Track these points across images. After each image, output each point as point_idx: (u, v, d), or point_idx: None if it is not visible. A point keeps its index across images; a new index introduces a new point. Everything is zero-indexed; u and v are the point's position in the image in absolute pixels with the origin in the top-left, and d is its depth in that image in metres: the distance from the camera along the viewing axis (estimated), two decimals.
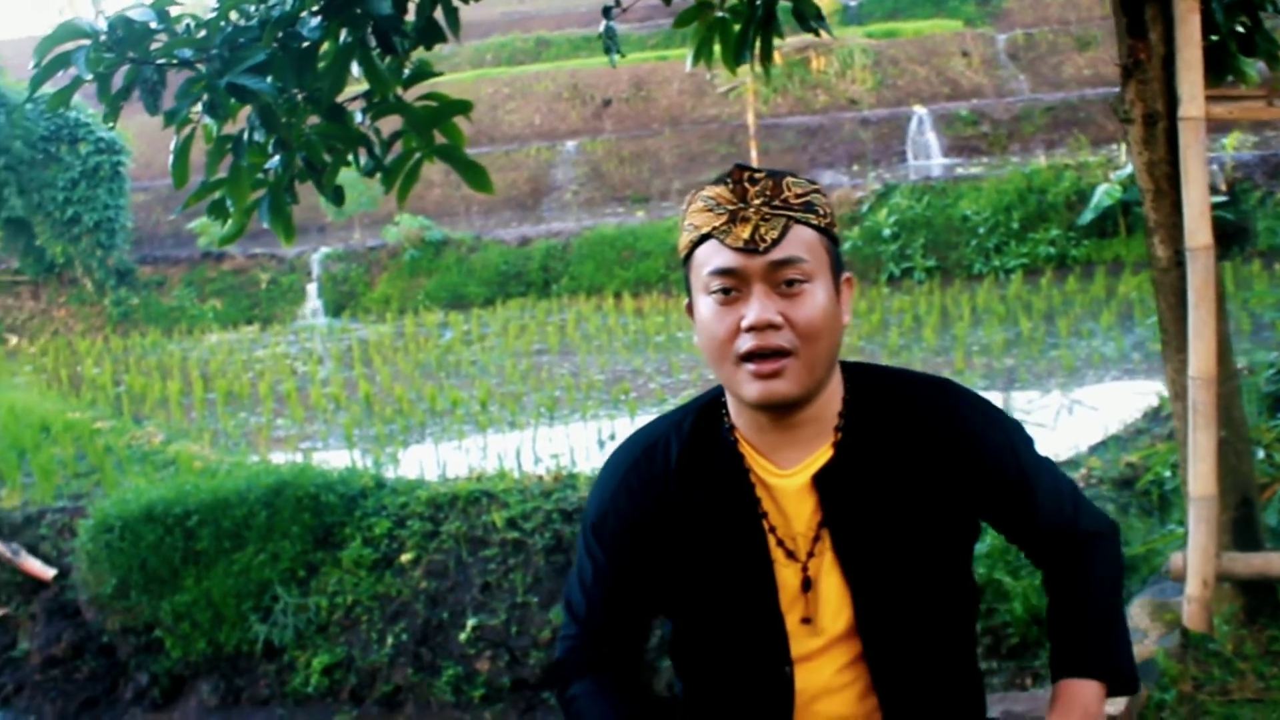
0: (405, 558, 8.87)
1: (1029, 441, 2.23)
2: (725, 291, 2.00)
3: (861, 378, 2.16)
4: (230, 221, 4.18)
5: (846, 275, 2.11)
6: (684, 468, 2.15)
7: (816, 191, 2.06)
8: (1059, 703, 2.19)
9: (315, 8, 3.85)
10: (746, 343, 1.98)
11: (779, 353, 1.97)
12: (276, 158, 4.12)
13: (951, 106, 23.95)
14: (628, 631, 2.26)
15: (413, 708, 8.59)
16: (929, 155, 22.89)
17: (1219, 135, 17.76)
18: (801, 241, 2.00)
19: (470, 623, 8.56)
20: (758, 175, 2.03)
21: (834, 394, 2.11)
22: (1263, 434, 6.10)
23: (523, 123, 26.68)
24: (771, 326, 1.96)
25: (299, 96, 4.02)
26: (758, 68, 4.92)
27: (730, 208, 2.00)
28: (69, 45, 3.52)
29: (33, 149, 20.85)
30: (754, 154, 21.91)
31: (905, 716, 2.13)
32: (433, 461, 10.37)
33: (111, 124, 3.96)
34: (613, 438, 10.45)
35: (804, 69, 24.83)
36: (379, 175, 4.33)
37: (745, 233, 1.98)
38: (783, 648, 2.11)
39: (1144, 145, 4.50)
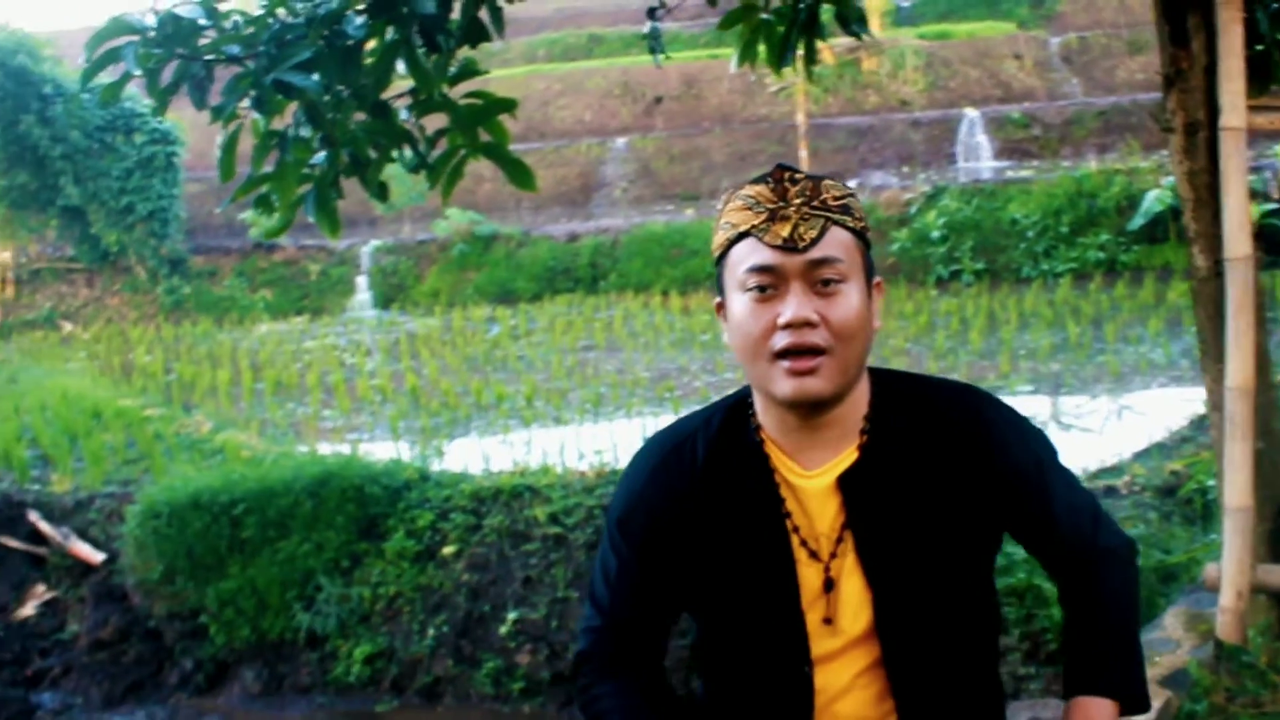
0: (447, 550, 8.92)
1: (1053, 453, 2.23)
2: (762, 289, 2.01)
3: (888, 383, 2.18)
4: (276, 215, 4.24)
5: (877, 280, 2.12)
6: (710, 466, 2.16)
7: (852, 195, 2.08)
8: None
9: (360, 6, 3.91)
10: (782, 340, 1.99)
11: (814, 350, 1.99)
12: (322, 153, 4.17)
13: (1003, 109, 23.83)
14: (651, 626, 2.28)
15: (452, 699, 8.64)
16: (979, 158, 22.77)
17: (1271, 143, 17.61)
18: (838, 242, 2.02)
19: (511, 616, 8.59)
20: (798, 176, 2.05)
21: (860, 398, 2.12)
22: None
23: (573, 119, 26.74)
24: (808, 324, 1.98)
25: (344, 93, 4.07)
26: (800, 70, 4.93)
27: (770, 206, 2.02)
28: (119, 40, 3.58)
29: (89, 139, 21.09)
30: (803, 154, 21.86)
31: (922, 718, 2.14)
32: (477, 455, 10.41)
33: (160, 117, 4.03)
34: None
35: (855, 69, 24.79)
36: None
37: (785, 231, 2.00)
38: (803, 647, 2.13)
39: (1185, 154, 4.50)
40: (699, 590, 2.20)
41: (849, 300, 2.01)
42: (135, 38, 3.61)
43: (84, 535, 9.85)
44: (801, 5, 4.82)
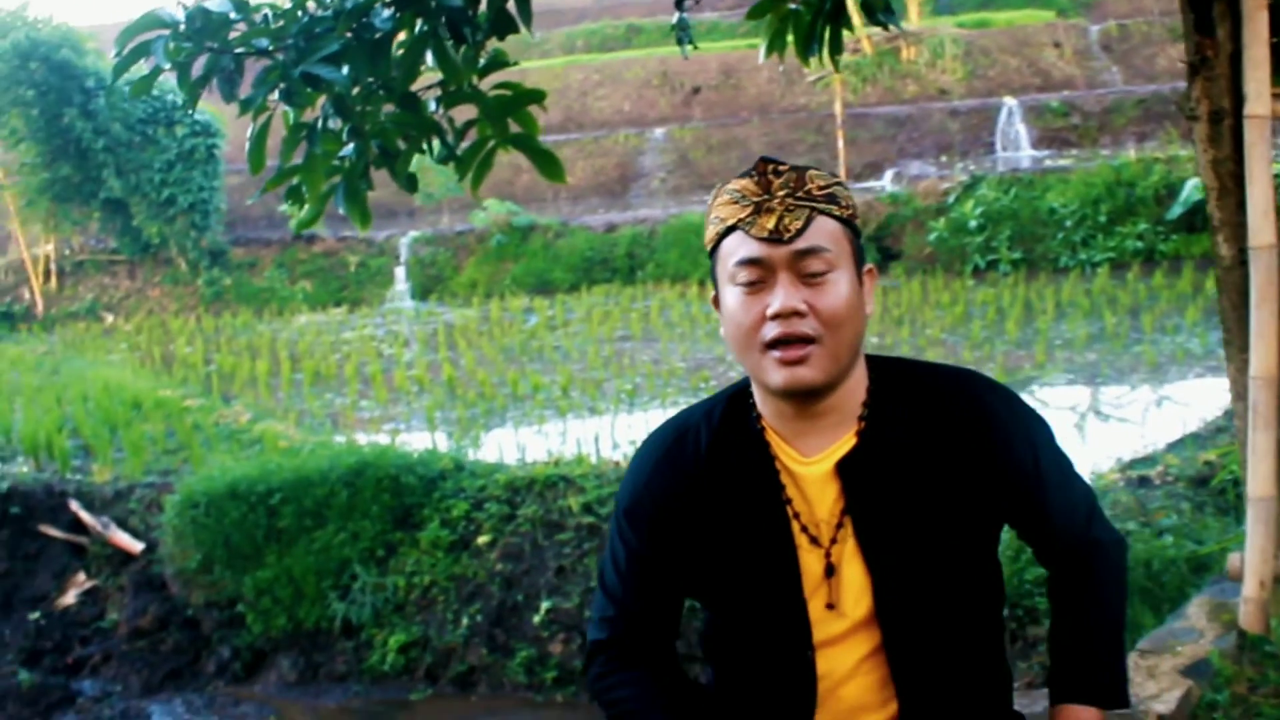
0: (482, 540, 8.97)
1: (1051, 439, 2.25)
2: (751, 282, 2.05)
3: (886, 369, 2.20)
4: (306, 207, 4.29)
5: (869, 267, 2.15)
6: (714, 455, 2.19)
7: (839, 184, 2.11)
8: None
9: None
10: (772, 330, 2.02)
11: (803, 339, 2.02)
12: (351, 145, 4.21)
13: (1042, 97, 23.65)
14: (661, 614, 2.31)
15: (486, 688, 8.68)
16: (1018, 147, 22.63)
17: None
18: (825, 232, 2.05)
19: (544, 606, 8.63)
20: (781, 168, 2.08)
21: (858, 384, 2.15)
22: None
23: (612, 109, 26.75)
24: (796, 314, 2.01)
25: (373, 85, 4.12)
26: (827, 60, 4.94)
27: (755, 199, 2.05)
28: (149, 35, 3.64)
29: (130, 131, 21.24)
30: (841, 144, 21.80)
31: (922, 705, 2.16)
32: (512, 445, 10.46)
33: (191, 110, 4.08)
34: None
35: (894, 59, 24.70)
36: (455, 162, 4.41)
37: (770, 223, 2.03)
38: (805, 632, 2.15)
39: (1209, 143, 4.48)
40: (704, 578, 2.23)
41: (837, 289, 2.04)
42: (165, 31, 3.66)
43: (124, 525, 9.94)
44: None
